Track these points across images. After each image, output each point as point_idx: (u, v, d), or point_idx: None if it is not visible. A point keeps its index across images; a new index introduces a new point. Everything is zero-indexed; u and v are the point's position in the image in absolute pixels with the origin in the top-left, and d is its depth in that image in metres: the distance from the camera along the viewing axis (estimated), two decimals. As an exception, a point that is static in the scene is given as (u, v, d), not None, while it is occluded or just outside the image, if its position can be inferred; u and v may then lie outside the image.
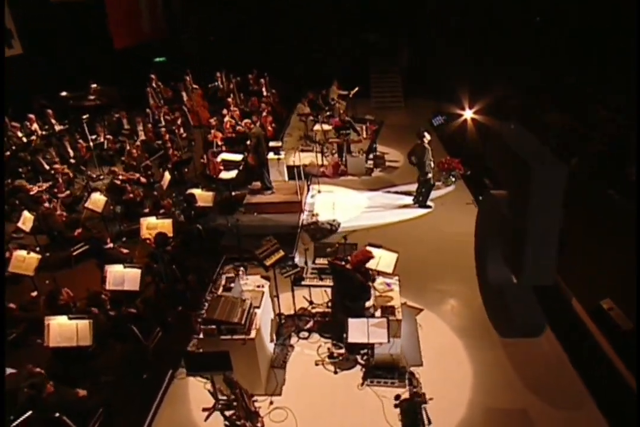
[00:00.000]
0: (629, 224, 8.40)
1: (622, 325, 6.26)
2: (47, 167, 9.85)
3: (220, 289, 6.10)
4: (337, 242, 6.74)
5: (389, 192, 10.42)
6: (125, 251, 7.21)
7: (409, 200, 10.04)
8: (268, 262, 6.20)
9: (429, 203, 9.85)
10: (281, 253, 6.34)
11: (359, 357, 6.19)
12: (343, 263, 6.27)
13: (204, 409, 5.62)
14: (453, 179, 10.59)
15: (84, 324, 5.62)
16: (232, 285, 6.06)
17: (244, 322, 5.38)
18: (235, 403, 5.41)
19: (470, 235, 7.86)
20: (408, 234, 8.80)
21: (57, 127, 11.23)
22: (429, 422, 4.94)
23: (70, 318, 5.57)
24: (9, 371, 5.12)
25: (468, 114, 10.18)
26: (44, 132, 10.95)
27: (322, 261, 6.74)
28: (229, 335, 5.42)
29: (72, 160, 10.59)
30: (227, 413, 5.46)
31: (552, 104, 12.38)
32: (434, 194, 9.84)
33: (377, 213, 9.67)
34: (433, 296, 7.24)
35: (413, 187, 10.29)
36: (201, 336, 5.50)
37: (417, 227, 9.12)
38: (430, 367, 5.95)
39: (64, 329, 5.53)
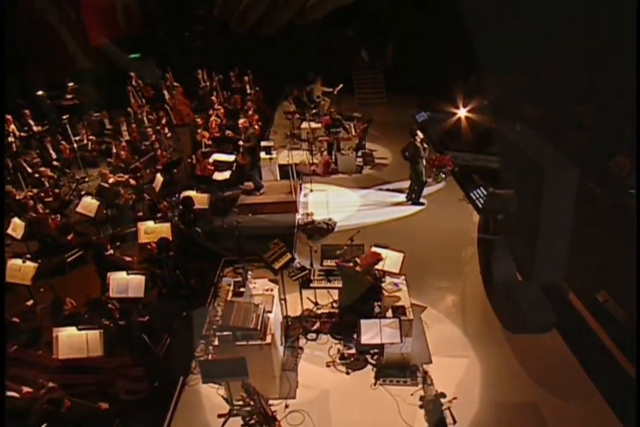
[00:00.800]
0: (612, 217, 8.79)
1: (618, 317, 6.52)
2: (29, 170, 9.59)
3: (230, 294, 6.08)
4: (345, 243, 6.77)
5: (380, 189, 10.51)
6: (128, 258, 7.06)
7: (401, 197, 10.15)
8: (277, 266, 6.18)
9: (421, 200, 10.01)
10: (288, 256, 6.32)
11: (369, 357, 6.26)
12: (352, 264, 6.32)
13: (220, 416, 5.60)
14: (443, 176, 10.75)
15: (94, 334, 5.53)
16: (242, 289, 6.05)
17: (259, 327, 5.37)
18: (252, 408, 5.43)
19: (465, 231, 8.01)
20: (404, 232, 8.86)
21: (36, 128, 10.90)
22: (454, 421, 5.05)
23: (79, 329, 5.55)
24: (25, 389, 5.00)
25: (462, 112, 10.39)
26: (22, 134, 10.60)
27: (329, 263, 6.77)
28: (245, 341, 5.40)
29: (55, 163, 10.28)
30: (246, 418, 5.48)
31: (530, 99, 12.68)
32: (425, 191, 9.96)
33: (371, 211, 9.75)
34: (435, 293, 7.35)
35: (404, 184, 10.40)
36: (216, 342, 5.47)
37: (412, 224, 9.20)
38: (439, 364, 6.08)
39: (74, 340, 5.42)
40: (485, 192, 10.03)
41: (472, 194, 10.20)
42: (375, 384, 5.88)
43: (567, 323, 6.76)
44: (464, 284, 7.39)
